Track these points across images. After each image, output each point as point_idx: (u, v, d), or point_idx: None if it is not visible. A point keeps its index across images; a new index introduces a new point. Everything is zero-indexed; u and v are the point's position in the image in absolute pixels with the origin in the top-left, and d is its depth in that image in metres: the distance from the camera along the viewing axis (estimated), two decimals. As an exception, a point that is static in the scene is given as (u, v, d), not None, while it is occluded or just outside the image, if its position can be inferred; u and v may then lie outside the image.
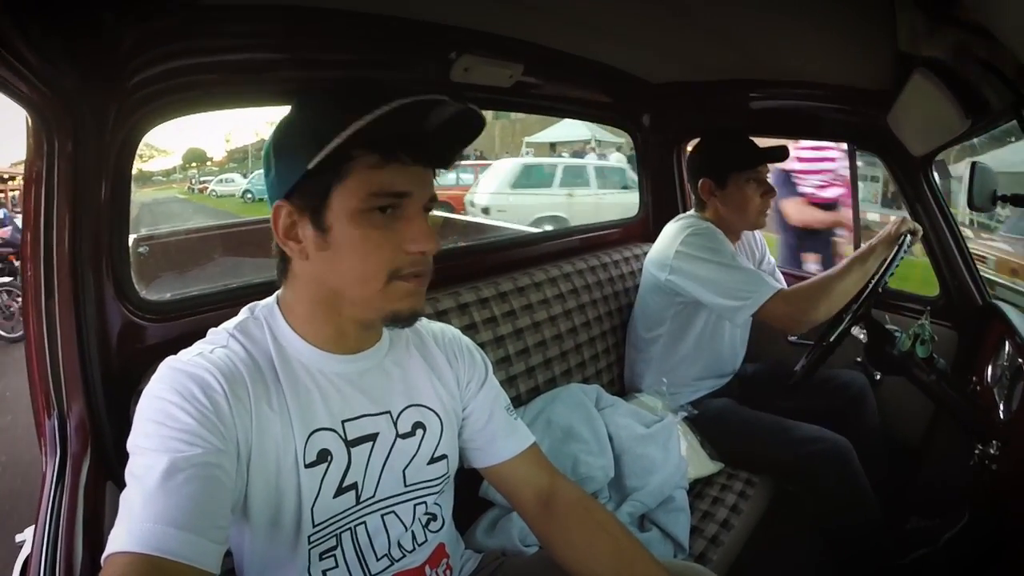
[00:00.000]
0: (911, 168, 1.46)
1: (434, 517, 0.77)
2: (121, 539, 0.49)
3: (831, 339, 1.21)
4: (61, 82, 0.72)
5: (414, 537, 0.74)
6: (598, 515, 0.78)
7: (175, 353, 0.64)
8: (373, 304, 0.65)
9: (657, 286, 1.47)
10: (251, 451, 0.61)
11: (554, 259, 1.60)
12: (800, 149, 2.65)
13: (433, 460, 0.75)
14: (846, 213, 2.62)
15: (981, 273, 1.50)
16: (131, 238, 0.95)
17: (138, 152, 0.91)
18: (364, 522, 0.69)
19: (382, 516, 0.71)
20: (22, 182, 0.83)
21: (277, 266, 0.70)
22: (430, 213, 0.67)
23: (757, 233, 1.63)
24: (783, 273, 1.71)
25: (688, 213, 1.56)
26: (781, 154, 1.48)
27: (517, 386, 1.35)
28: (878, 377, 1.30)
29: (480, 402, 0.81)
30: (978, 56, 0.81)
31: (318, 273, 0.66)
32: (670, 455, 1.26)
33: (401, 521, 0.72)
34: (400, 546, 0.72)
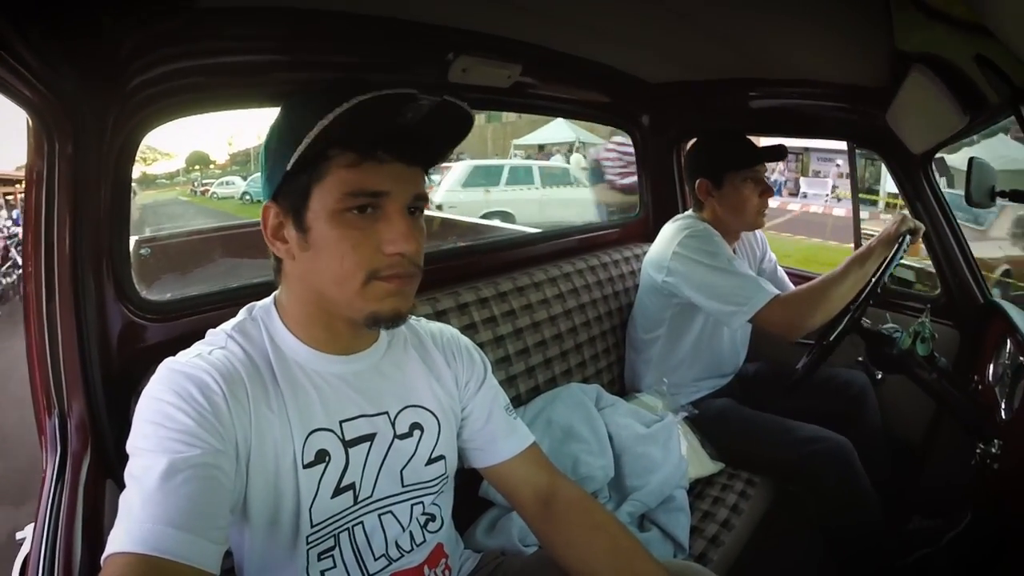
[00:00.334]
0: (911, 166, 1.46)
1: (432, 517, 0.77)
2: (120, 540, 0.49)
3: (831, 338, 1.21)
4: (61, 84, 0.73)
5: (412, 537, 0.74)
6: (597, 515, 0.77)
7: (175, 353, 0.64)
8: (353, 305, 0.64)
9: (655, 287, 1.47)
10: (250, 452, 0.61)
11: (554, 259, 1.60)
12: (609, 145, 3.35)
13: (431, 461, 0.75)
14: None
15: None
16: (134, 240, 0.95)
17: (142, 155, 0.92)
18: (361, 522, 0.70)
19: (379, 516, 0.71)
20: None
21: (273, 267, 0.71)
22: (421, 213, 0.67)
23: (758, 231, 1.63)
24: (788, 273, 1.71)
25: (686, 214, 1.56)
26: (778, 153, 1.47)
27: (517, 386, 1.35)
28: (879, 376, 1.30)
29: (479, 402, 0.81)
30: (974, 52, 0.81)
31: (302, 273, 0.66)
32: (670, 455, 1.26)
33: (398, 521, 0.72)
34: (398, 546, 0.72)
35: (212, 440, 0.56)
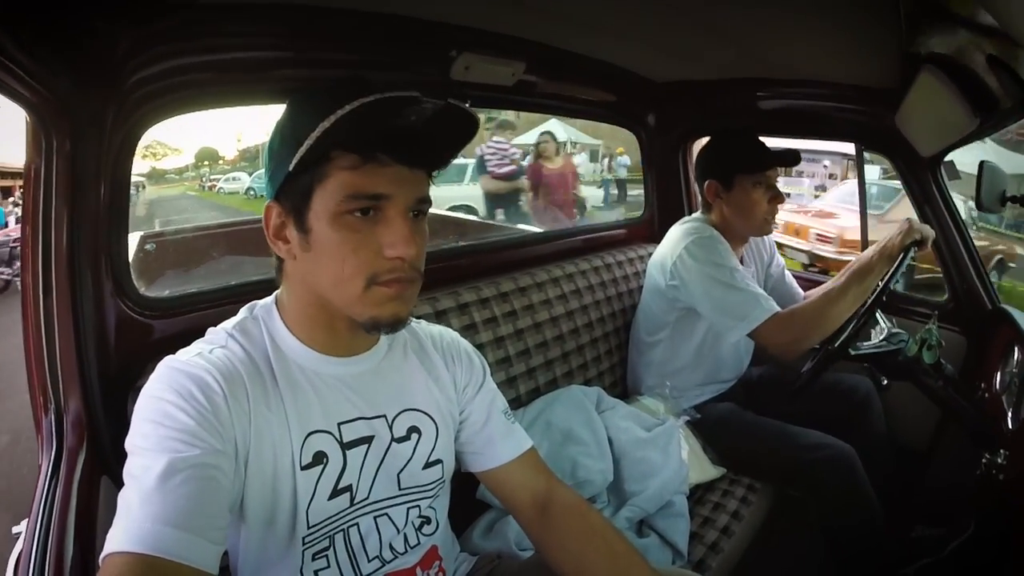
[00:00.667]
0: (919, 169, 1.44)
1: (428, 520, 0.77)
2: (119, 539, 0.49)
3: (836, 345, 1.19)
4: (57, 83, 0.73)
5: (406, 539, 0.74)
6: (594, 520, 0.77)
7: (173, 350, 0.64)
8: (353, 309, 0.64)
9: (659, 290, 1.46)
10: (248, 452, 0.61)
11: (556, 259, 1.59)
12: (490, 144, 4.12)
13: (428, 465, 0.74)
14: (522, 182, 4.35)
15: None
16: (138, 235, 0.95)
17: (152, 150, 0.92)
18: (357, 524, 0.69)
19: (374, 518, 0.71)
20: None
21: (274, 266, 0.70)
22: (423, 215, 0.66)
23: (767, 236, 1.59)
24: (796, 277, 1.68)
25: (694, 216, 1.53)
26: (791, 158, 1.44)
27: (517, 387, 1.34)
28: (885, 382, 1.28)
29: (477, 405, 0.81)
30: (986, 53, 0.79)
31: (303, 274, 0.65)
32: (670, 459, 1.25)
33: (393, 523, 0.72)
34: (392, 548, 0.72)
35: (212, 440, 0.56)
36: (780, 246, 1.80)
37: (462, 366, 0.81)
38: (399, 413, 0.72)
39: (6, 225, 9.37)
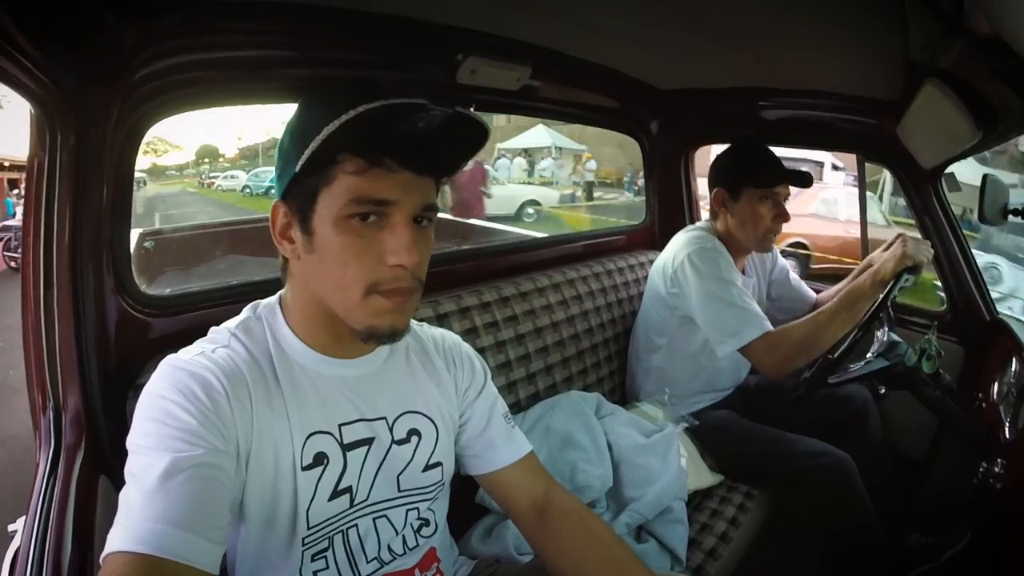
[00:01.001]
0: (920, 180, 1.45)
1: (426, 522, 0.77)
2: (120, 538, 0.49)
3: (835, 356, 1.20)
4: (64, 77, 0.72)
5: (404, 541, 0.73)
6: (593, 525, 0.77)
7: (172, 349, 0.63)
8: (351, 316, 0.63)
9: (660, 296, 1.46)
10: (250, 452, 0.61)
11: (557, 264, 1.59)
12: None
13: (428, 467, 0.74)
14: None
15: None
16: (138, 232, 0.95)
17: (153, 147, 0.92)
18: (356, 525, 0.69)
19: (373, 519, 0.70)
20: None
21: (280, 265, 0.70)
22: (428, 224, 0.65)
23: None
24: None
25: (698, 224, 1.54)
26: (804, 180, 1.44)
27: (517, 392, 1.34)
28: (882, 391, 1.29)
29: (478, 409, 0.81)
30: (991, 67, 0.80)
31: (307, 275, 0.65)
32: (669, 466, 1.25)
33: (392, 525, 0.72)
34: (390, 549, 0.72)
35: (214, 440, 0.56)
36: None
37: (463, 370, 0.81)
38: (400, 416, 0.72)
39: (14, 215, 9.90)
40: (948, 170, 1.42)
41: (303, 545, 0.65)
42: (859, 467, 1.23)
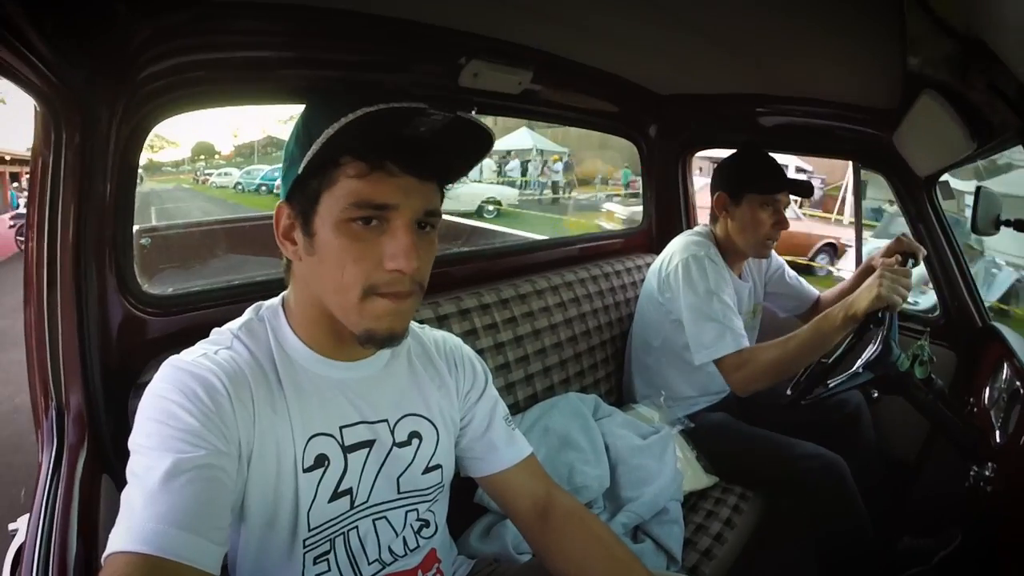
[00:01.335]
0: (915, 188, 1.47)
1: (426, 524, 0.77)
2: (122, 538, 0.49)
3: (829, 361, 1.21)
4: (71, 74, 0.72)
5: (405, 543, 0.74)
6: (593, 526, 0.78)
7: (175, 348, 0.64)
8: (349, 319, 0.63)
9: (654, 298, 1.48)
10: (252, 453, 0.61)
11: (557, 267, 1.60)
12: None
13: (428, 469, 0.75)
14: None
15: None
16: (135, 229, 0.95)
17: (150, 143, 0.91)
18: (356, 527, 0.69)
19: (374, 521, 0.71)
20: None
21: (283, 266, 0.70)
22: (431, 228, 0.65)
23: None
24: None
25: (697, 229, 1.55)
26: (805, 190, 1.45)
27: (515, 393, 1.35)
28: (875, 395, 1.30)
29: (479, 411, 0.81)
30: (987, 81, 0.81)
31: (308, 277, 0.65)
32: (665, 467, 1.26)
33: (392, 527, 0.72)
34: (391, 551, 0.72)
35: (216, 441, 0.56)
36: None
37: (464, 372, 0.81)
38: (401, 418, 0.73)
39: (18, 207, 10.24)
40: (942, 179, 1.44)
41: (304, 547, 0.65)
42: (852, 470, 1.25)
